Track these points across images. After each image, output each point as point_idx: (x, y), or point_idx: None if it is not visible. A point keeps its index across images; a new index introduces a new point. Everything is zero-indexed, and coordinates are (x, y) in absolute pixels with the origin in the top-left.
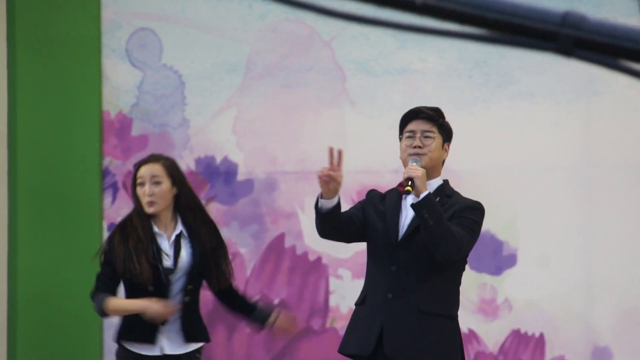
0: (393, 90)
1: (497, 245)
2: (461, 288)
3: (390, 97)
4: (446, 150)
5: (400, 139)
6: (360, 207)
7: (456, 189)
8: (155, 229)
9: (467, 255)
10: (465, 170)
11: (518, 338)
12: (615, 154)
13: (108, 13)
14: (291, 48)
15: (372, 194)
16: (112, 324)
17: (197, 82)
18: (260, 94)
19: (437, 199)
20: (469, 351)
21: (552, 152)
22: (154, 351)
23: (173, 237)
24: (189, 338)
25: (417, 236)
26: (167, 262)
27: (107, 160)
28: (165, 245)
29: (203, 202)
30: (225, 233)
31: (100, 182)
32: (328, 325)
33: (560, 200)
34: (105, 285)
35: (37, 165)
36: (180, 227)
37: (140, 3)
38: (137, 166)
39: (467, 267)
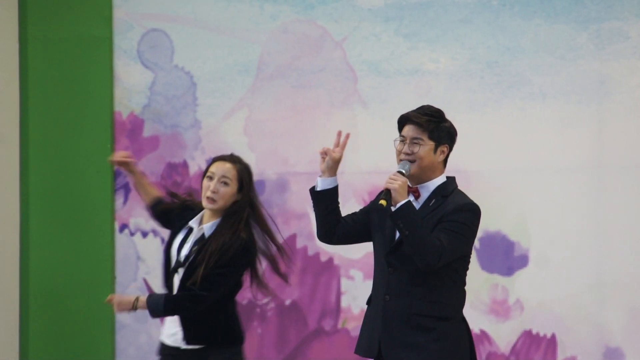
0: (404, 91)
1: (508, 246)
2: (473, 289)
3: (401, 97)
4: (443, 153)
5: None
6: (366, 210)
7: (467, 189)
8: (193, 223)
9: (456, 258)
10: (476, 171)
11: (530, 339)
12: (626, 154)
13: (120, 14)
14: (302, 49)
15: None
16: (123, 324)
17: (208, 83)
18: (271, 94)
19: (433, 201)
20: (481, 352)
21: (563, 153)
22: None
23: (204, 230)
24: (186, 338)
25: None
26: (185, 252)
27: None
28: (192, 238)
29: None
30: None
31: (112, 183)
32: (340, 326)
33: (571, 201)
34: None
35: (49, 166)
36: (211, 226)
37: (152, 4)
38: (213, 160)
39: (478, 267)
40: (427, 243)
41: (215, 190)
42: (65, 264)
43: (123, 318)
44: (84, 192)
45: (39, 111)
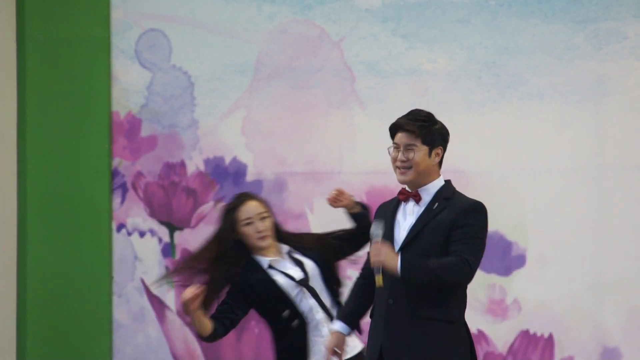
0: (402, 91)
1: (506, 245)
2: (470, 288)
3: (399, 97)
4: (438, 155)
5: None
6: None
7: (465, 189)
8: (267, 259)
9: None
10: (475, 171)
11: (527, 338)
12: (624, 154)
13: (117, 14)
14: (300, 49)
15: (378, 213)
16: (121, 324)
17: (206, 83)
18: (269, 94)
19: (436, 204)
20: (478, 352)
21: (562, 153)
22: None
23: (286, 256)
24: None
25: (415, 244)
26: (298, 273)
27: (116, 161)
28: (286, 264)
29: (212, 202)
30: None
31: (109, 183)
32: None
33: (570, 201)
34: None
35: (47, 165)
36: (286, 247)
37: (150, 4)
38: (235, 205)
39: None
40: (449, 270)
41: (263, 229)
42: (62, 264)
43: (120, 318)
44: (82, 191)
45: (37, 111)
